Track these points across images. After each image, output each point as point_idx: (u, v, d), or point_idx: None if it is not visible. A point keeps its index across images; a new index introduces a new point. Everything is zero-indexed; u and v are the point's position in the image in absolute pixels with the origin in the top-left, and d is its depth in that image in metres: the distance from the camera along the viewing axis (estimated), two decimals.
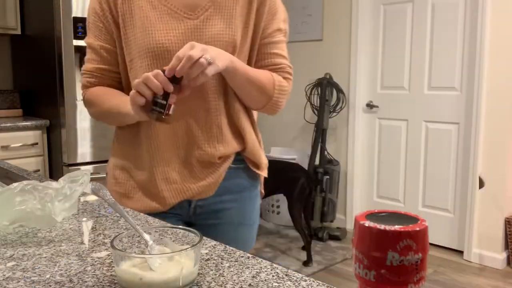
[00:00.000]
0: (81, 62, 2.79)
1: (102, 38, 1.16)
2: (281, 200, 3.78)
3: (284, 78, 1.18)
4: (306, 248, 3.11)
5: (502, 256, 3.10)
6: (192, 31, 1.09)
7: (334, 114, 3.72)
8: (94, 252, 0.72)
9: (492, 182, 3.10)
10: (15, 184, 0.81)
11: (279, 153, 3.94)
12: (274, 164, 2.63)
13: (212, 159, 1.14)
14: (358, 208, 3.86)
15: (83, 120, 2.70)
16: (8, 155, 2.70)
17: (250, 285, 0.60)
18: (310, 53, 3.91)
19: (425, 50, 3.37)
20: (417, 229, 0.29)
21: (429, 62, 3.37)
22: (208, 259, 0.68)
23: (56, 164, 2.84)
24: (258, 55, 1.17)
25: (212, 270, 0.65)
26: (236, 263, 0.67)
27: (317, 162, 3.62)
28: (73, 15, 2.61)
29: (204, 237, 0.76)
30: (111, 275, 0.64)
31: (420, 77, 3.42)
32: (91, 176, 0.91)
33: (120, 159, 1.20)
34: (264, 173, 1.26)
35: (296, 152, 3.93)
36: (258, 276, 0.63)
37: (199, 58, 0.93)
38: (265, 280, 0.61)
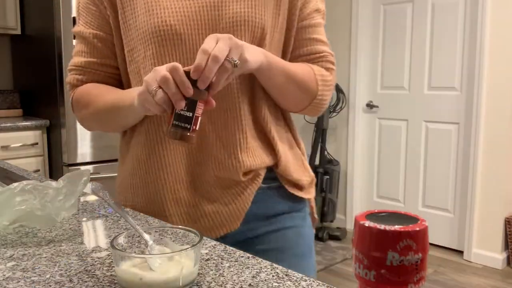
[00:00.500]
0: None
1: (95, 24, 0.95)
2: None
3: (326, 69, 0.97)
4: None
5: (502, 256, 3.10)
6: (207, 10, 0.87)
7: (334, 114, 3.73)
8: (94, 252, 0.72)
9: (492, 182, 3.09)
10: (15, 184, 0.81)
11: None
12: None
13: (235, 175, 0.89)
14: (358, 208, 3.86)
15: None
16: (8, 155, 2.70)
17: (250, 285, 0.60)
18: None
19: (425, 50, 3.37)
20: (417, 229, 0.29)
21: (429, 62, 3.37)
22: (208, 259, 0.68)
23: (56, 164, 2.84)
24: (294, 42, 0.96)
25: (212, 270, 0.65)
26: (236, 263, 0.67)
27: (317, 162, 3.63)
28: (73, 15, 2.61)
29: (204, 237, 0.76)
30: (111, 275, 0.64)
31: (420, 77, 3.42)
32: (91, 176, 0.90)
33: (126, 178, 1.01)
34: (308, 194, 1.00)
35: None
36: (258, 276, 0.63)
37: (224, 59, 0.74)
38: (265, 280, 0.61)
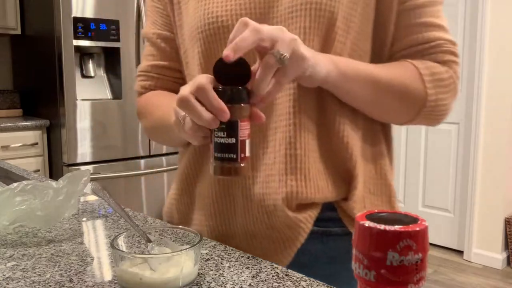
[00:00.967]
0: (81, 62, 2.79)
1: (159, 22, 0.84)
2: None
3: (443, 62, 0.73)
4: None
5: (502, 256, 3.10)
6: None
7: None
8: (94, 252, 0.72)
9: (492, 182, 3.09)
10: (15, 184, 0.81)
11: None
12: None
13: (280, 207, 0.70)
14: None
15: (83, 120, 2.70)
16: (8, 155, 2.70)
17: (250, 285, 0.60)
18: None
19: None
20: (417, 229, 0.29)
21: None
22: (208, 259, 0.68)
23: (56, 164, 2.84)
24: (395, 30, 0.74)
25: (212, 270, 0.65)
26: (236, 263, 0.67)
27: None
28: (73, 15, 2.61)
29: (204, 237, 0.76)
30: (111, 275, 0.64)
31: None
32: (91, 176, 0.90)
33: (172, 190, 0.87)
34: None
35: None
36: (258, 276, 0.63)
37: (266, 48, 0.58)
38: (265, 280, 0.61)
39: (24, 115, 3.18)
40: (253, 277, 0.62)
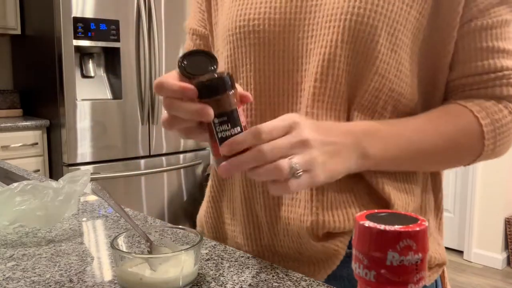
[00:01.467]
0: (81, 62, 2.79)
1: (196, 18, 0.81)
2: None
3: (504, 97, 0.64)
4: None
5: (502, 256, 3.10)
6: (299, 1, 0.65)
7: None
8: (94, 252, 0.72)
9: (492, 182, 3.09)
10: (15, 184, 0.81)
11: None
12: None
13: (304, 235, 0.65)
14: None
15: (83, 120, 2.70)
16: (8, 155, 2.70)
17: (250, 285, 0.60)
18: None
19: None
20: (417, 229, 0.29)
21: None
22: (208, 259, 0.68)
23: (56, 164, 2.84)
24: (455, 52, 0.64)
25: (212, 270, 0.65)
26: (236, 263, 0.67)
27: None
28: (73, 15, 2.61)
29: (204, 237, 0.76)
30: (111, 275, 0.64)
31: None
32: (91, 176, 0.90)
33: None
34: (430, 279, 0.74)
35: None
36: (258, 276, 0.63)
37: (280, 160, 0.51)
38: (265, 280, 0.61)
39: (24, 115, 3.18)
40: (253, 277, 0.62)
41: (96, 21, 2.67)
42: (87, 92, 2.75)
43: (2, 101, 3.18)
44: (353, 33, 0.60)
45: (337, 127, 0.59)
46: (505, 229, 3.10)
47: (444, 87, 0.67)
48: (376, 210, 0.33)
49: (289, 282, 0.61)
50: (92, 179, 0.86)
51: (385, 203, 0.65)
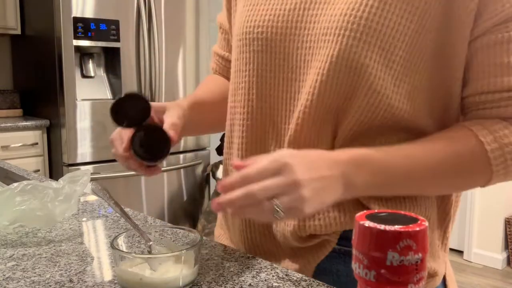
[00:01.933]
0: (81, 62, 2.79)
1: (224, 12, 0.84)
2: None
3: None
4: None
5: (502, 256, 3.10)
6: (303, 4, 0.65)
7: None
8: (94, 252, 0.72)
9: None
10: (15, 184, 0.81)
11: None
12: None
13: (289, 239, 0.69)
14: None
15: (83, 120, 2.70)
16: (8, 155, 2.70)
17: (250, 285, 0.60)
18: None
19: None
20: (417, 229, 0.29)
21: None
22: (208, 259, 0.68)
23: (56, 164, 2.84)
24: (467, 70, 0.63)
25: (212, 270, 0.65)
26: (236, 263, 0.67)
27: None
28: (73, 15, 2.61)
29: (204, 237, 0.76)
30: (111, 275, 0.64)
31: None
32: (91, 176, 0.91)
33: None
34: None
35: None
36: (258, 276, 0.63)
37: (264, 200, 0.53)
38: (265, 280, 0.61)
39: (24, 115, 3.18)
40: (253, 277, 0.62)
41: (96, 21, 2.67)
42: (87, 92, 2.75)
43: (2, 101, 3.18)
44: (345, 48, 0.60)
45: (325, 158, 0.58)
46: (505, 229, 3.10)
47: (458, 103, 0.66)
48: (376, 210, 0.33)
49: (289, 282, 0.61)
50: (92, 179, 0.86)
51: (367, 209, 0.63)
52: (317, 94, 0.63)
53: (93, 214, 0.93)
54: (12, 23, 2.98)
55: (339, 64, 0.61)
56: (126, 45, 2.78)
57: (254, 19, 0.68)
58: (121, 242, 0.62)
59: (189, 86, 3.05)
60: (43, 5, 2.77)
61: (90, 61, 2.81)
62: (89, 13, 2.66)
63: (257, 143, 0.71)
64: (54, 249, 0.73)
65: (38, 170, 2.83)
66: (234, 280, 0.61)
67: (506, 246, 3.13)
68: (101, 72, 2.90)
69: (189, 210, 3.17)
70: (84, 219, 0.90)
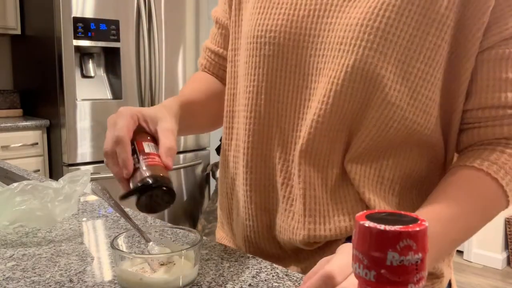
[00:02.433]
0: (81, 62, 2.79)
1: (221, 7, 0.82)
2: None
3: None
4: None
5: (502, 256, 3.10)
6: (317, 11, 0.64)
7: None
8: (94, 252, 0.72)
9: None
10: (15, 184, 0.81)
11: None
12: None
13: (299, 246, 0.69)
14: None
15: (83, 120, 2.70)
16: (8, 155, 2.70)
17: (250, 285, 0.60)
18: None
19: None
20: (417, 229, 0.29)
21: None
22: (208, 259, 0.68)
23: (56, 164, 2.84)
24: (472, 81, 0.62)
25: (212, 270, 0.65)
26: (236, 263, 0.67)
27: None
28: (73, 15, 2.61)
29: (204, 237, 0.76)
30: (111, 275, 0.64)
31: None
32: (91, 176, 0.91)
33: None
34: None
35: None
36: (258, 276, 0.63)
37: None
38: (265, 280, 0.61)
39: (24, 115, 3.18)
40: (253, 277, 0.62)
41: (96, 21, 2.67)
42: (87, 92, 2.75)
43: (2, 101, 3.18)
44: (361, 58, 0.60)
45: None
46: (505, 229, 3.10)
47: (458, 120, 0.66)
48: (376, 210, 0.33)
49: (289, 282, 0.61)
50: (92, 179, 0.86)
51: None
52: (331, 103, 0.62)
53: (93, 214, 0.93)
54: (12, 23, 2.98)
55: (354, 74, 0.61)
56: (126, 45, 2.78)
57: (266, 22, 0.67)
58: (121, 242, 0.62)
59: None
60: (43, 5, 2.77)
61: (90, 61, 2.81)
62: (89, 13, 2.66)
63: (262, 148, 0.71)
64: (54, 249, 0.73)
65: (38, 170, 2.83)
66: (234, 280, 0.61)
67: (506, 246, 3.13)
68: (101, 72, 2.90)
69: (189, 210, 3.17)
70: (84, 219, 0.90)
